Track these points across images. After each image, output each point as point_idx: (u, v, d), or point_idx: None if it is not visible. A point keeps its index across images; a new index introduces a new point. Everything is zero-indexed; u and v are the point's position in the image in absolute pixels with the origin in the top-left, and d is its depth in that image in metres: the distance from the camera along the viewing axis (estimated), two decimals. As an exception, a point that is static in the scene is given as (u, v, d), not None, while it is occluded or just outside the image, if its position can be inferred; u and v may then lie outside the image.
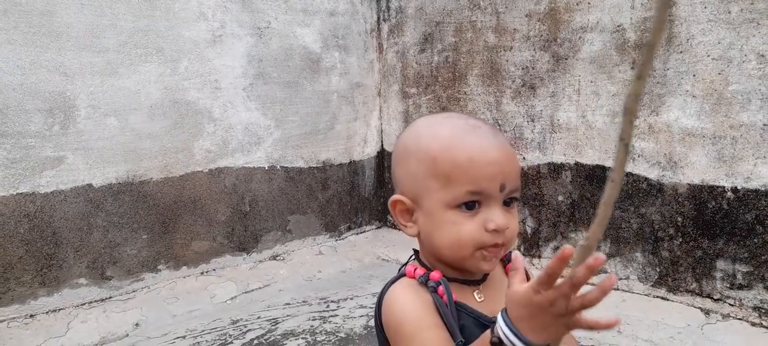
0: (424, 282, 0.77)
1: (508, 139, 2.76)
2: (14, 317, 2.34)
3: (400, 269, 0.83)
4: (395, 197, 0.81)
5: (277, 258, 3.11)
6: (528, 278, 0.79)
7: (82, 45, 2.38)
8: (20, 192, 2.31)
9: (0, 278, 2.30)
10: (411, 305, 0.76)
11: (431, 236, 0.77)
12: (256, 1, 2.90)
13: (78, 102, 2.40)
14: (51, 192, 2.38)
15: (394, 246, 3.32)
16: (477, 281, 0.81)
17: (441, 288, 0.76)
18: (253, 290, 2.75)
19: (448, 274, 0.79)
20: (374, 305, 0.83)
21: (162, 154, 2.66)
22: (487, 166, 0.73)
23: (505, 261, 0.84)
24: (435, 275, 0.77)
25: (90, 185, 2.47)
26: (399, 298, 0.77)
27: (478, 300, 0.80)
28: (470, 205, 0.74)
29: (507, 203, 0.76)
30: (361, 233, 3.55)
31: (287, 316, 2.45)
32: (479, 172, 0.73)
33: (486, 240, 0.74)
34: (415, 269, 0.80)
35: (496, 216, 0.74)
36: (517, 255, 0.67)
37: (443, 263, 0.79)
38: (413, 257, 0.85)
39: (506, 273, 0.81)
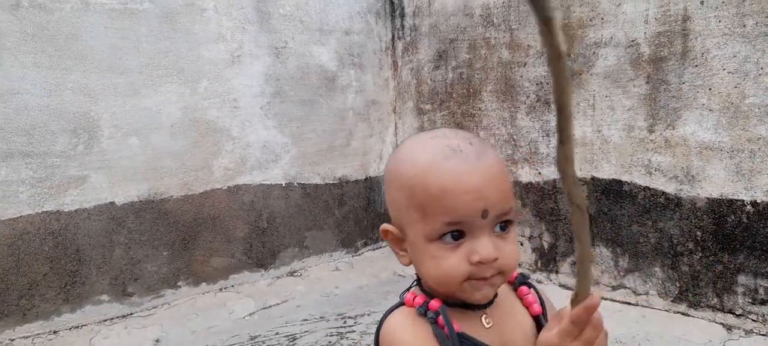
0: (424, 312, 0.72)
1: (523, 153, 2.77)
2: (38, 333, 2.39)
3: (401, 295, 0.78)
4: (384, 226, 0.76)
5: (295, 274, 3.14)
6: (542, 303, 0.79)
7: (106, 67, 2.45)
8: (45, 210, 2.37)
9: (25, 295, 2.35)
10: (409, 338, 0.71)
11: (418, 268, 0.72)
12: (273, 22, 2.96)
13: (101, 122, 2.46)
14: (75, 210, 2.43)
15: (410, 262, 3.33)
16: (484, 305, 0.75)
17: (441, 318, 0.70)
18: (271, 306, 2.77)
19: (451, 299, 0.73)
20: (374, 333, 0.78)
21: (182, 172, 2.71)
22: (463, 195, 0.66)
23: (517, 284, 0.80)
24: (434, 303, 0.71)
25: (112, 203, 2.52)
26: (396, 331, 0.72)
27: (486, 326, 0.74)
28: (454, 235, 0.68)
29: (503, 227, 0.70)
30: (377, 248, 3.56)
31: (305, 332, 2.46)
32: (455, 201, 0.66)
33: (473, 273, 0.68)
34: (415, 298, 0.74)
35: (481, 247, 0.67)
36: (565, 311, 0.64)
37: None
38: (415, 282, 0.79)
39: (520, 297, 0.79)
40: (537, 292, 0.80)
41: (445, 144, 0.70)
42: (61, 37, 2.34)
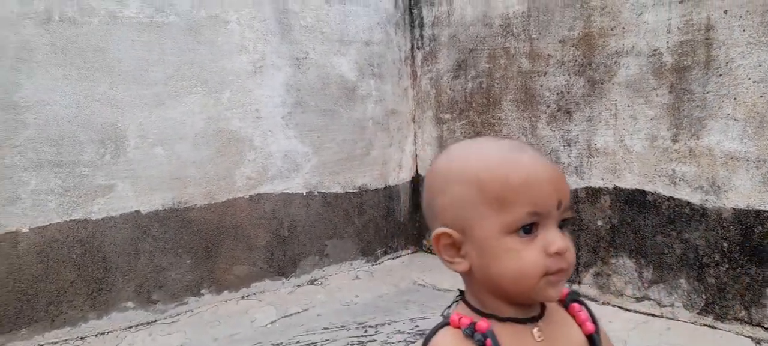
0: (470, 334, 0.69)
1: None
2: (66, 339, 2.44)
3: (444, 312, 0.76)
4: (440, 230, 0.72)
5: (315, 283, 3.16)
6: (593, 318, 0.77)
7: (132, 79, 2.51)
8: (73, 219, 2.43)
9: (53, 301, 2.41)
10: None
11: (488, 268, 0.69)
12: (294, 33, 3.00)
13: (128, 132, 2.52)
14: (102, 219, 2.49)
15: (430, 271, 3.33)
16: (535, 317, 0.74)
17: (489, 341, 0.68)
18: (292, 315, 2.79)
19: (504, 313, 0.72)
20: (412, 334, 0.78)
21: (205, 181, 2.75)
22: (543, 184, 0.68)
23: (568, 301, 0.78)
24: (482, 325, 0.69)
25: (138, 212, 2.58)
26: None
27: (538, 339, 0.72)
28: (527, 228, 0.67)
29: (561, 226, 0.70)
30: (397, 257, 3.57)
31: (326, 340, 2.47)
32: (536, 190, 0.67)
33: (550, 265, 0.67)
34: (461, 318, 0.72)
35: (556, 238, 0.68)
36: None
37: (499, 296, 0.71)
38: (458, 298, 0.78)
39: (572, 315, 0.77)
40: (589, 310, 0.78)
41: (506, 143, 0.72)
42: (89, 50, 2.40)
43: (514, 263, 0.67)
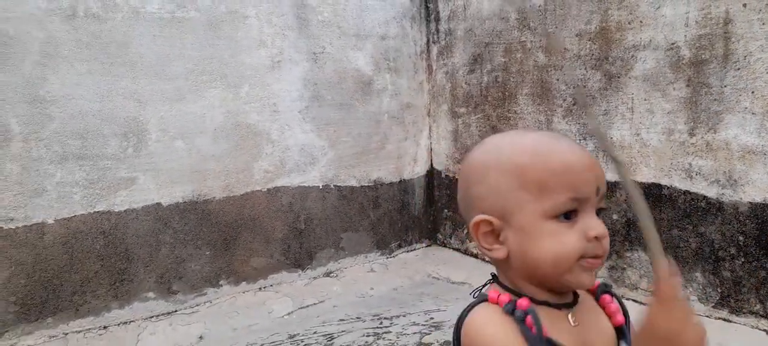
0: (511, 311, 0.70)
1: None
2: (89, 329, 2.50)
3: (476, 293, 0.78)
4: (479, 217, 0.73)
5: (331, 275, 3.20)
6: (623, 310, 0.78)
7: (154, 73, 2.56)
8: (97, 210, 2.48)
9: (78, 291, 2.47)
10: (499, 336, 0.69)
11: (527, 252, 0.71)
12: (311, 28, 3.03)
13: (149, 126, 2.57)
14: (124, 210, 2.55)
15: (444, 264, 3.35)
16: (569, 303, 0.76)
17: (529, 318, 0.69)
18: (308, 306, 2.84)
19: (539, 297, 0.73)
20: (452, 328, 0.77)
21: (224, 174, 2.80)
22: (583, 171, 0.70)
23: (599, 292, 0.79)
24: (523, 302, 0.71)
25: (159, 204, 2.63)
26: (485, 327, 0.71)
27: (573, 324, 0.74)
28: (568, 214, 0.69)
29: (596, 213, 0.72)
30: (411, 250, 3.60)
31: (342, 332, 2.51)
32: (577, 177, 0.70)
33: (588, 250, 0.69)
34: (499, 295, 0.73)
35: (595, 223, 0.70)
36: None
37: (536, 282, 0.73)
38: (491, 281, 0.79)
39: (602, 306, 0.79)
40: (620, 302, 0.80)
41: (543, 133, 0.75)
42: (113, 45, 2.45)
43: (555, 246, 0.69)
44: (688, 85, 2.30)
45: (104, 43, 2.43)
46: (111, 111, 2.47)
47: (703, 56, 2.24)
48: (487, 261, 3.31)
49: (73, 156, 2.41)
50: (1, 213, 2.28)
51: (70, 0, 2.34)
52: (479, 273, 2.94)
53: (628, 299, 2.59)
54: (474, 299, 0.76)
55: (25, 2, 2.25)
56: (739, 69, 2.14)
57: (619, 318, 0.78)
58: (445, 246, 3.66)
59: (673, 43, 2.33)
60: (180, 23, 2.60)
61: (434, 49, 3.53)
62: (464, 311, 0.75)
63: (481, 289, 0.78)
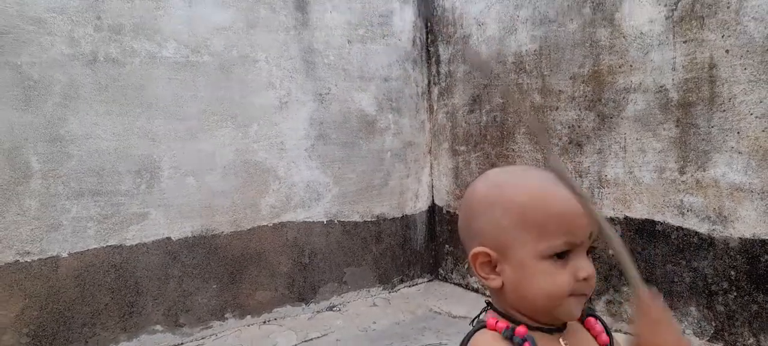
0: (510, 337, 0.76)
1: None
2: (99, 360, 2.56)
3: (473, 322, 0.84)
4: (478, 249, 0.79)
5: (334, 309, 3.26)
6: (609, 333, 0.86)
7: (168, 114, 2.69)
8: (110, 244, 2.57)
9: (88, 323, 2.54)
10: None
11: (520, 287, 0.77)
12: (318, 70, 3.17)
13: (162, 164, 2.68)
14: (135, 245, 2.63)
15: (446, 299, 3.41)
16: (560, 328, 0.82)
17: (527, 344, 0.75)
18: (312, 339, 2.89)
19: (532, 323, 0.79)
20: None
21: (232, 210, 2.90)
22: (579, 217, 0.75)
23: (584, 315, 0.86)
24: (521, 330, 0.77)
25: (169, 239, 2.72)
26: None
27: None
28: (561, 254, 0.75)
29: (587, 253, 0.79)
30: (413, 285, 3.66)
31: (346, 364, 2.56)
32: (573, 222, 0.74)
33: (577, 289, 0.76)
34: (497, 322, 0.79)
35: (585, 264, 0.76)
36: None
37: (528, 312, 0.79)
38: (487, 308, 0.85)
39: (587, 328, 0.85)
40: (603, 323, 0.87)
41: (544, 174, 0.80)
42: (130, 87, 2.58)
43: (547, 284, 0.75)
44: (677, 126, 2.41)
45: (122, 86, 2.57)
46: (126, 149, 2.59)
47: (690, 98, 2.36)
48: (487, 294, 3.37)
49: (89, 192, 2.51)
50: (18, 247, 2.37)
51: (91, 46, 2.48)
52: (480, 308, 2.99)
53: (625, 333, 2.65)
54: (474, 327, 0.82)
55: (51, 48, 2.40)
56: (724, 110, 2.26)
57: (605, 338, 0.85)
58: (446, 281, 3.72)
59: (661, 86, 2.45)
60: (194, 67, 2.74)
61: (435, 90, 3.67)
62: (466, 337, 0.81)
63: (478, 316, 0.84)
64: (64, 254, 2.48)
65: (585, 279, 0.75)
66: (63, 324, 2.48)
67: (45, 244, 2.43)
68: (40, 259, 2.42)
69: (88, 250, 2.53)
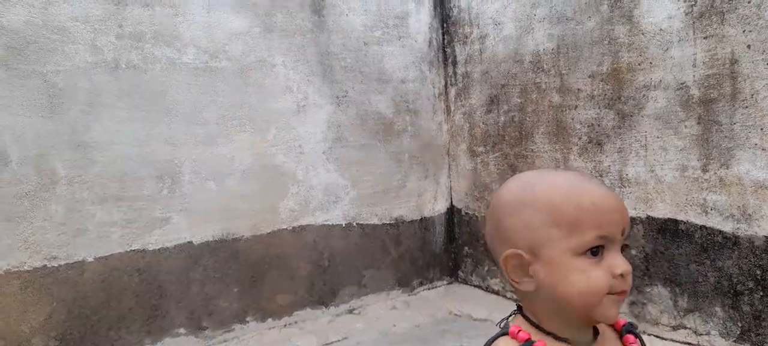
0: None
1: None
2: (124, 363, 2.60)
3: (501, 323, 0.82)
4: (510, 251, 0.77)
5: (354, 312, 3.27)
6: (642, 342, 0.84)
7: (188, 119, 2.73)
8: (133, 249, 2.62)
9: (113, 327, 2.58)
10: None
11: (556, 286, 0.75)
12: (335, 74, 3.19)
13: (183, 169, 2.72)
14: (158, 249, 2.67)
15: (466, 302, 3.40)
16: (588, 342, 0.80)
17: None
18: (332, 343, 2.90)
19: (561, 333, 0.77)
20: None
21: (252, 213, 2.93)
22: (611, 211, 0.74)
23: (624, 331, 0.83)
24: (539, 344, 0.76)
25: (190, 243, 2.75)
26: None
27: None
28: (595, 251, 0.74)
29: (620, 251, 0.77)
30: (432, 288, 3.65)
31: (366, 366, 2.57)
32: (605, 217, 0.74)
33: (614, 286, 0.73)
34: (519, 331, 0.78)
35: (620, 261, 0.74)
36: None
37: (562, 316, 0.77)
38: (516, 312, 0.83)
39: (623, 343, 0.83)
40: (642, 343, 0.84)
41: (573, 172, 0.80)
42: (150, 93, 2.63)
43: (582, 282, 0.73)
44: (699, 123, 2.38)
45: (143, 92, 2.61)
46: (148, 155, 2.63)
47: (711, 95, 2.32)
48: (508, 298, 3.35)
49: (113, 197, 2.56)
50: (45, 252, 2.42)
51: (113, 53, 2.53)
52: (501, 310, 2.98)
53: (649, 335, 2.61)
54: (498, 330, 0.81)
55: (75, 56, 2.45)
56: (747, 107, 2.22)
57: None
58: (466, 283, 3.71)
59: (682, 83, 2.41)
60: (213, 72, 2.78)
61: (452, 91, 3.66)
62: (488, 340, 0.80)
63: (507, 319, 0.83)
64: (90, 259, 2.53)
65: (621, 275, 0.73)
66: (89, 328, 2.53)
67: (71, 249, 2.48)
68: (66, 263, 2.47)
69: (112, 254, 2.57)
